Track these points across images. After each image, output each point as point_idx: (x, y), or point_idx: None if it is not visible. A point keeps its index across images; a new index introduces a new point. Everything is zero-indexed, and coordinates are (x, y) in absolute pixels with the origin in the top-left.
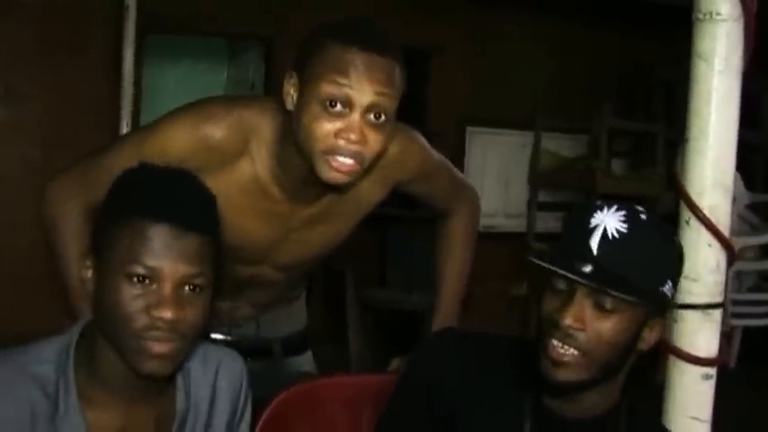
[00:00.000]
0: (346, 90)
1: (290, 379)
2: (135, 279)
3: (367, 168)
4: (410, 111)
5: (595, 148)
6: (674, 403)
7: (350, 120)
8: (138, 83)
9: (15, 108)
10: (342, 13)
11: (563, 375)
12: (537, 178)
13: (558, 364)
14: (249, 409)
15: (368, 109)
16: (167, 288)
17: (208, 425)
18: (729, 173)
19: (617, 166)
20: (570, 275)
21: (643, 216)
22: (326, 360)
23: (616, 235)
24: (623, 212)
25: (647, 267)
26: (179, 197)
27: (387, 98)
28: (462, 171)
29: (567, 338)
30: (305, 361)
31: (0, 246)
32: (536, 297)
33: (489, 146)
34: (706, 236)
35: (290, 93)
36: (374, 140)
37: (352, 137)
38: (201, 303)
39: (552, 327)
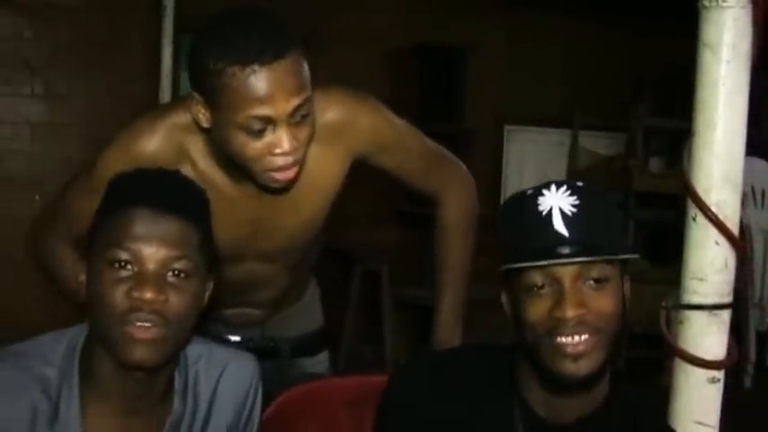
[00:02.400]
0: (264, 112)
1: (294, 380)
2: (116, 264)
3: (312, 141)
4: (448, 110)
5: (632, 146)
6: (680, 408)
7: (277, 135)
8: (175, 82)
9: (55, 107)
10: (378, 13)
11: (585, 367)
12: (575, 176)
13: (579, 357)
14: (257, 414)
15: (290, 116)
16: (148, 270)
17: (204, 428)
18: (738, 167)
19: (654, 163)
20: (563, 261)
21: (579, 184)
22: (363, 359)
23: (573, 209)
24: (564, 188)
25: (611, 227)
26: (160, 184)
27: (304, 94)
28: (501, 169)
29: (578, 327)
30: (317, 362)
31: None
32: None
33: (527, 144)
34: (713, 233)
35: (200, 114)
36: (304, 135)
37: (286, 147)
38: (188, 291)
39: (555, 327)
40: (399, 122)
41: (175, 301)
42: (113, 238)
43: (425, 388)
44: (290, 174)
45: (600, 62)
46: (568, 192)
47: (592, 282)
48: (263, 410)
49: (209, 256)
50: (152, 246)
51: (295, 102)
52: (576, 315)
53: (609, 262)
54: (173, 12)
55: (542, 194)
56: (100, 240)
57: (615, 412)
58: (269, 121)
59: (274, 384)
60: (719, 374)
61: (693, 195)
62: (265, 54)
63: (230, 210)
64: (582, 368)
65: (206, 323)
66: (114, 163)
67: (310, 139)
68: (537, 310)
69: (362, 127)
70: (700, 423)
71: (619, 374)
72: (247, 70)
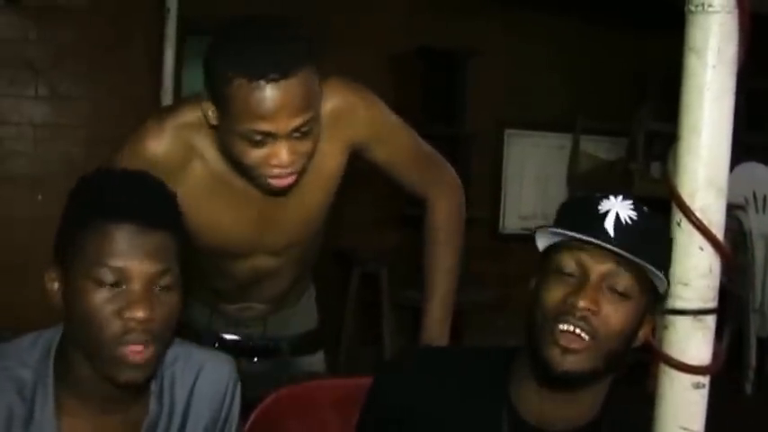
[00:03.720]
0: (265, 128)
1: (294, 378)
2: (104, 284)
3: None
4: (449, 113)
5: (634, 150)
6: (665, 413)
7: (276, 147)
8: (178, 84)
9: (58, 108)
10: (381, 15)
11: (572, 363)
12: (575, 180)
13: (568, 350)
14: (235, 414)
15: (291, 132)
16: (137, 288)
17: (181, 429)
18: (723, 172)
19: (656, 168)
20: (601, 243)
21: (645, 208)
22: (362, 361)
23: (629, 221)
24: (630, 201)
25: (657, 255)
26: (139, 196)
27: (307, 114)
28: (501, 173)
29: (580, 322)
30: (315, 361)
31: (42, 243)
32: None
33: (528, 148)
34: (698, 238)
35: (210, 112)
36: (304, 148)
37: (284, 161)
38: (172, 302)
39: (563, 312)
40: (394, 117)
41: (161, 316)
42: (98, 256)
43: (410, 387)
44: (286, 181)
45: (602, 66)
46: (632, 206)
47: (615, 291)
48: (251, 412)
49: (183, 261)
50: (138, 262)
51: (296, 122)
52: (587, 308)
53: (639, 283)
54: (176, 14)
55: (607, 199)
56: (81, 255)
57: (606, 428)
58: (269, 136)
59: (276, 383)
60: (704, 380)
61: (678, 200)
62: (273, 72)
63: (239, 204)
64: (566, 362)
65: (209, 321)
66: (131, 166)
67: (312, 151)
68: (556, 293)
69: (360, 116)
70: (685, 429)
71: (618, 380)
72: (253, 84)
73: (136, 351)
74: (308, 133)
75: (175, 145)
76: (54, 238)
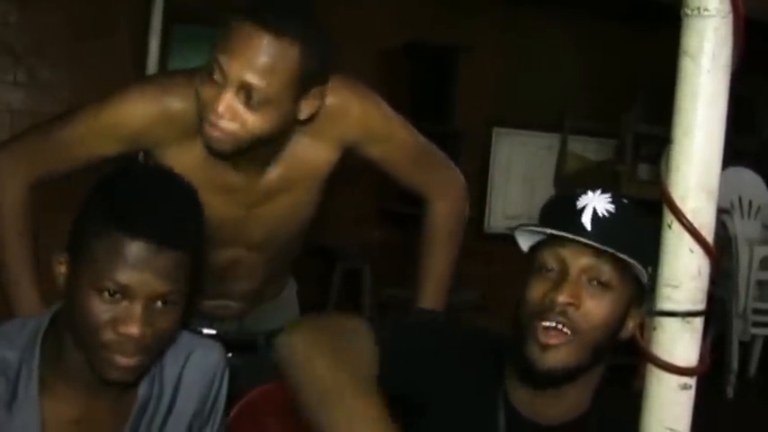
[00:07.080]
0: (223, 61)
1: (270, 374)
2: (105, 293)
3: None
4: (438, 110)
5: (622, 152)
6: (651, 413)
7: (221, 94)
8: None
9: (37, 94)
10: (370, 11)
11: (552, 360)
12: (563, 181)
13: (546, 347)
14: (221, 401)
15: (239, 88)
16: (136, 305)
17: (168, 415)
18: (715, 176)
19: (644, 170)
20: (574, 236)
21: (626, 200)
22: None
23: (606, 214)
24: (609, 195)
25: (637, 247)
26: (159, 210)
27: (262, 79)
28: (488, 171)
29: (559, 317)
30: None
31: None
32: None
33: (516, 147)
34: (688, 240)
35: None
36: (245, 117)
37: (219, 109)
38: (171, 319)
39: (543, 309)
40: (392, 115)
41: (156, 332)
42: (104, 267)
43: (429, 348)
44: (216, 133)
45: (592, 66)
46: (610, 199)
47: (596, 283)
48: (233, 406)
49: (197, 276)
50: (143, 280)
51: (247, 76)
52: (566, 302)
53: (619, 274)
54: (162, 2)
55: (585, 194)
56: (90, 260)
57: (594, 421)
58: (222, 74)
59: (252, 379)
60: (691, 381)
61: (669, 202)
62: (270, 18)
63: (227, 191)
64: (547, 360)
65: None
66: (138, 110)
67: (259, 130)
68: (537, 289)
69: (353, 115)
70: (671, 429)
71: (606, 380)
72: (248, 24)
73: (124, 360)
74: (256, 104)
75: (193, 108)
76: (71, 225)
